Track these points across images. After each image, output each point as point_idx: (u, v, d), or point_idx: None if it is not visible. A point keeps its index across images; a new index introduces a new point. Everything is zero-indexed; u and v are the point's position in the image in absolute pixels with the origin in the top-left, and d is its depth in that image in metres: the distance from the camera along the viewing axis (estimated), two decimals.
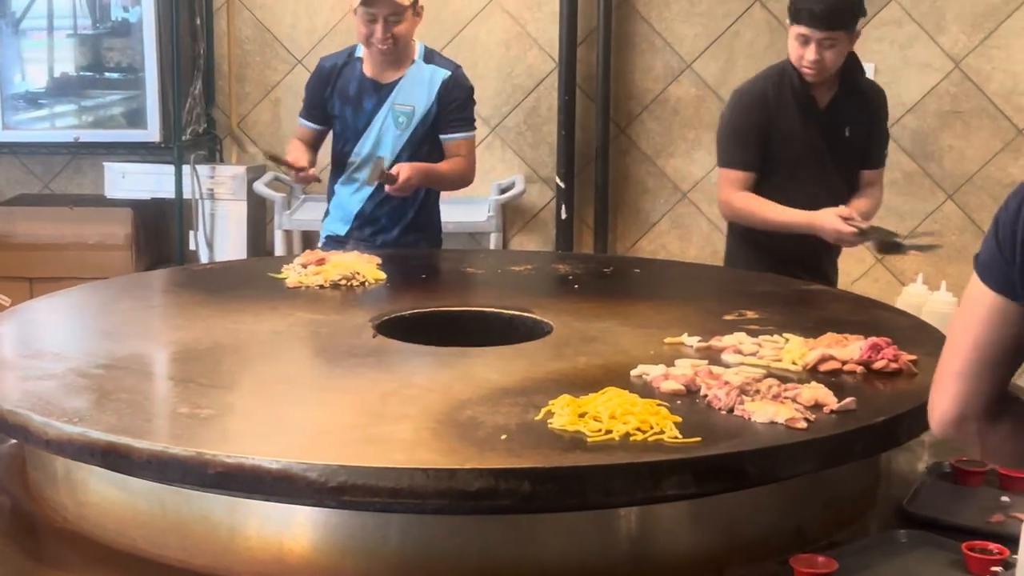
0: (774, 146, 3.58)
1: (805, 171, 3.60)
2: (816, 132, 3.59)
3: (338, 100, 3.91)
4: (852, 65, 3.60)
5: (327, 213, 4.05)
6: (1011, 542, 1.97)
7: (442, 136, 3.90)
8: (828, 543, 2.14)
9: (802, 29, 3.46)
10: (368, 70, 3.88)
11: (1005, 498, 2.37)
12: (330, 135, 4.00)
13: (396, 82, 3.86)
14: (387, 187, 3.69)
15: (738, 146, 3.60)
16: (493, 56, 5.49)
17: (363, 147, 3.89)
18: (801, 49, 3.49)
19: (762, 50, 5.39)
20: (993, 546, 2.08)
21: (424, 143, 3.89)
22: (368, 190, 3.88)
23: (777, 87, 3.58)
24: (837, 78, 3.58)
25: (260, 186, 5.05)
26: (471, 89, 3.95)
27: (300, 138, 3.98)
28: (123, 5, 5.32)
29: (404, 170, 3.69)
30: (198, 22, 5.33)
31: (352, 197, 3.93)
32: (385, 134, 3.87)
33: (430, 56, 3.92)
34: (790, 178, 3.59)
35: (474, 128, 3.98)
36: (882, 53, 5.35)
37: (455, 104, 3.89)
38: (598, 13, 5.33)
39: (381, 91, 3.87)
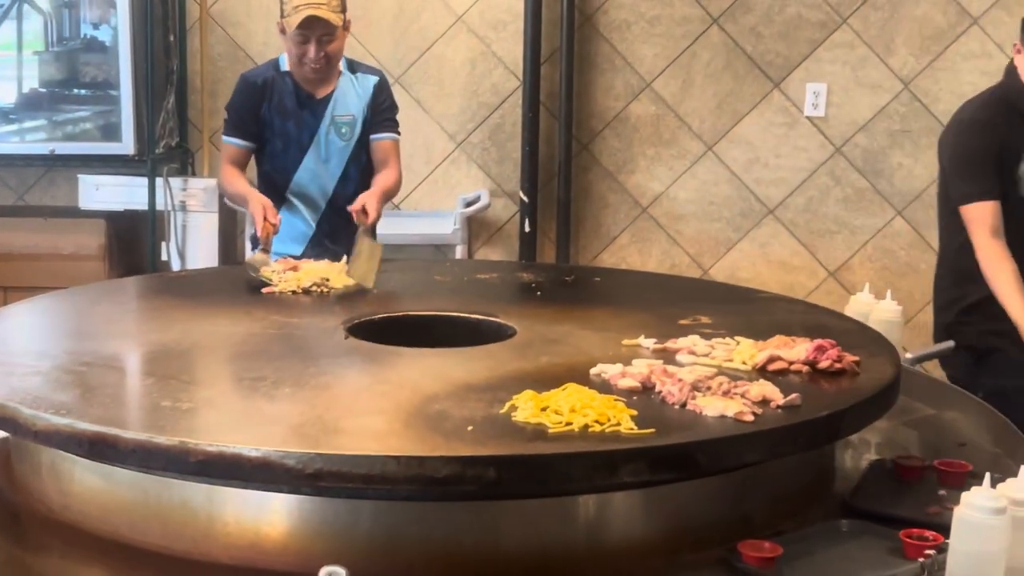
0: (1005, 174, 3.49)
1: None
2: None
3: (277, 115, 3.92)
4: None
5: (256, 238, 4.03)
6: (946, 530, 2.08)
7: (372, 136, 3.98)
8: (774, 532, 2.22)
9: None
10: (300, 84, 3.93)
11: (942, 492, 2.46)
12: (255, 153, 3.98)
13: (331, 95, 3.94)
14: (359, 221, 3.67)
15: (981, 175, 3.48)
16: (459, 74, 5.59)
17: (310, 161, 3.95)
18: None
19: (719, 70, 5.54)
20: (929, 533, 2.17)
21: (363, 149, 3.99)
22: (310, 223, 3.93)
23: (1004, 112, 3.55)
24: None
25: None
26: (391, 91, 4.07)
27: (234, 161, 3.93)
28: (92, 23, 5.39)
29: (370, 204, 3.68)
30: (172, 39, 5.40)
31: (299, 219, 3.97)
32: (330, 146, 3.96)
33: (352, 65, 4.02)
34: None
35: (399, 133, 4.07)
36: (834, 74, 5.50)
37: (385, 105, 4.00)
38: (561, 33, 5.45)
39: (318, 105, 3.93)
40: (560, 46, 5.47)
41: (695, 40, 5.54)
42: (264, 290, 3.26)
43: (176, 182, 5.24)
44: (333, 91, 3.96)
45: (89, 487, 2.29)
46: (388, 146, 4.01)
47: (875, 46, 5.47)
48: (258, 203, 3.71)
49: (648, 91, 5.57)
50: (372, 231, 3.71)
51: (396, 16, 5.56)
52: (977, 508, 2.01)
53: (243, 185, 3.89)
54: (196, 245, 5.19)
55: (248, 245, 4.27)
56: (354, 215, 3.66)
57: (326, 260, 3.52)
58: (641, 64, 5.56)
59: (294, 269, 3.38)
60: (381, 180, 3.93)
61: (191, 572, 2.13)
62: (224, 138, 4.02)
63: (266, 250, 3.58)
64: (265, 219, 3.66)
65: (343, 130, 3.95)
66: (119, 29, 5.14)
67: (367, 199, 3.71)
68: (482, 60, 5.59)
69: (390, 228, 4.70)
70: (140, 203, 5.19)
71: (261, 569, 2.10)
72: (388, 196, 3.92)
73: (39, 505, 2.38)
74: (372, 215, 3.66)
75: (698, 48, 5.55)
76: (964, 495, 2.03)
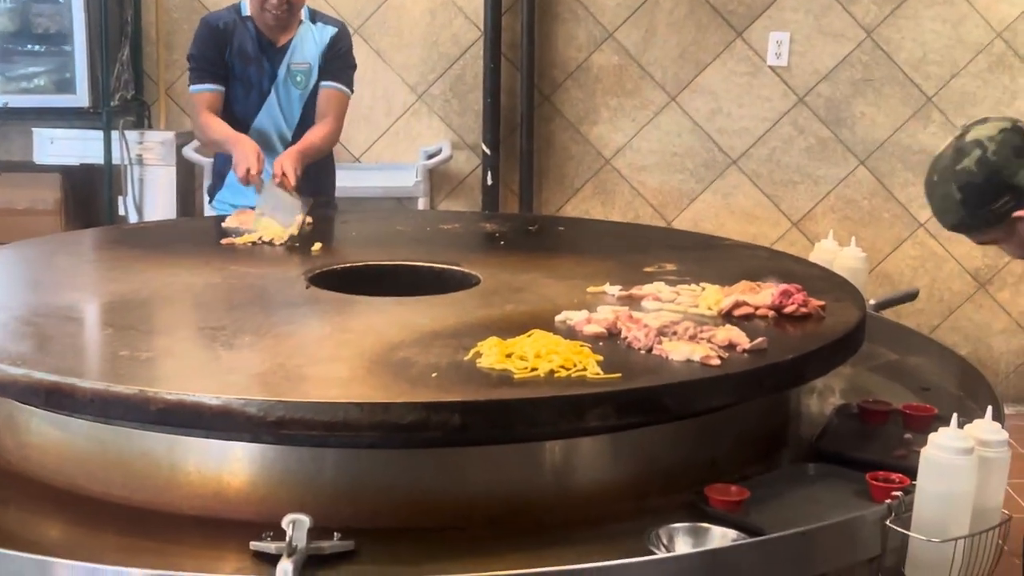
0: None
1: None
2: None
3: (239, 60, 3.88)
4: None
5: (218, 183, 4.04)
6: (912, 473, 2.09)
7: (322, 82, 3.92)
8: (741, 475, 2.23)
9: None
10: (261, 30, 3.89)
11: (908, 435, 2.48)
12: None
13: (289, 42, 3.91)
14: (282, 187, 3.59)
15: None
16: (419, 24, 5.52)
17: (269, 108, 3.91)
18: None
19: (681, 19, 5.50)
20: (895, 476, 2.19)
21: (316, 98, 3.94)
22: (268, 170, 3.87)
23: None
24: None
25: (189, 151, 5.05)
26: (352, 47, 4.01)
27: (210, 107, 3.86)
28: None
29: (287, 167, 3.61)
30: None
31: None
32: (288, 94, 3.92)
33: (314, 15, 3.97)
34: None
35: (351, 90, 3.99)
36: (797, 23, 5.48)
37: (339, 55, 3.95)
38: None
39: (277, 53, 3.90)
40: None
41: None
42: (223, 241, 3.22)
43: (132, 135, 5.16)
44: (292, 39, 3.92)
45: (47, 438, 2.25)
46: (331, 95, 3.93)
47: None
48: (250, 150, 3.66)
49: (610, 41, 5.53)
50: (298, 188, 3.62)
51: None
52: (945, 448, 2.02)
53: (228, 129, 3.82)
54: (153, 199, 5.11)
55: (206, 198, 4.22)
56: (276, 182, 3.60)
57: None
58: (603, 14, 5.51)
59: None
60: (307, 136, 3.86)
61: (153, 523, 2.10)
62: (193, 87, 3.93)
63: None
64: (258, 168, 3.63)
65: (299, 78, 3.92)
66: None
67: (284, 162, 3.64)
68: (442, 10, 5.52)
69: (350, 181, 4.70)
70: (96, 157, 5.11)
71: (224, 519, 2.08)
72: (312, 152, 3.82)
73: None
74: (291, 179, 3.59)
75: None
76: (932, 436, 2.05)
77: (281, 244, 3.23)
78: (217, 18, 3.95)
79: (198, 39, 3.95)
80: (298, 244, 3.24)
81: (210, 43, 3.88)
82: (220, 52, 3.88)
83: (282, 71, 3.91)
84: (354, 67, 4.04)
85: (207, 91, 3.89)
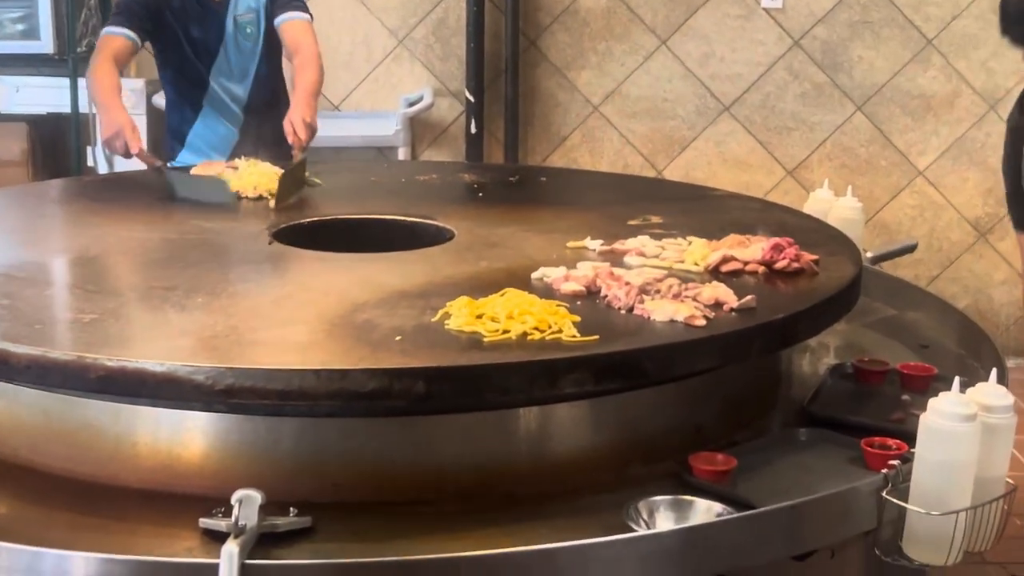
0: None
1: None
2: None
3: (180, 22, 3.69)
4: None
5: (176, 146, 3.87)
6: (910, 438, 1.98)
7: (278, 20, 3.68)
8: (728, 442, 2.13)
9: None
10: None
11: (906, 397, 2.38)
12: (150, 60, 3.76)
13: None
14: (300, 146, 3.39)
15: None
16: None
17: (220, 66, 3.75)
18: None
19: None
20: (892, 442, 2.08)
21: (273, 43, 3.75)
22: (231, 133, 3.71)
23: None
24: None
25: (160, 99, 4.91)
26: None
27: (116, 56, 3.56)
28: None
29: (297, 122, 3.37)
30: None
31: (218, 129, 3.78)
32: (239, 50, 3.76)
33: None
34: None
35: (310, 14, 3.75)
36: None
37: None
38: None
39: (219, 8, 3.72)
40: None
41: None
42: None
43: None
44: None
45: None
46: (297, 27, 3.68)
47: None
48: (114, 126, 3.39)
49: None
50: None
51: None
52: (945, 415, 1.90)
53: (108, 91, 3.51)
54: None
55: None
56: (290, 140, 3.40)
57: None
58: None
59: (233, 168, 3.21)
60: (301, 81, 3.60)
61: (98, 496, 1.98)
62: (107, 29, 3.66)
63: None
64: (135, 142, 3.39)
65: (248, 30, 3.74)
66: None
67: (293, 120, 3.39)
68: None
69: (328, 130, 4.52)
70: (64, 106, 4.98)
71: (174, 493, 1.96)
72: (317, 91, 3.63)
73: None
74: (302, 133, 3.36)
75: None
76: (931, 401, 1.93)
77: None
78: None
79: None
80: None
81: None
82: (155, 9, 3.64)
83: (229, 26, 3.74)
84: None
85: (118, 35, 3.61)
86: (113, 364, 1.86)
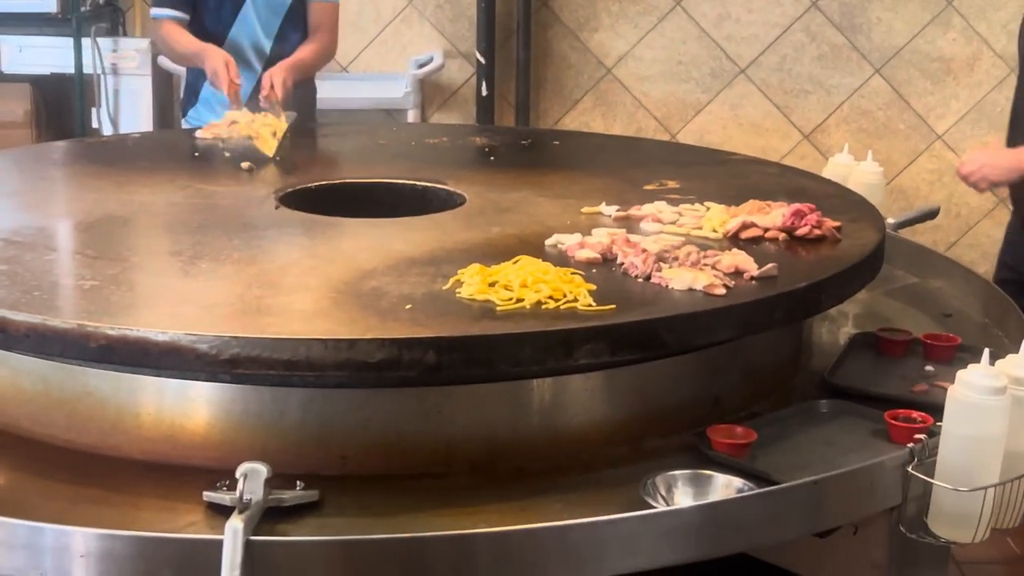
0: None
1: None
2: None
3: None
4: None
5: (191, 99, 3.88)
6: (935, 410, 1.94)
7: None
8: (747, 414, 2.09)
9: None
10: None
11: (929, 367, 2.34)
12: None
13: None
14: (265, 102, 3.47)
15: None
16: None
17: (245, 18, 3.74)
18: None
19: None
20: (916, 414, 2.03)
21: (298, 10, 3.80)
22: (248, 84, 3.70)
23: None
24: None
25: (166, 60, 4.87)
26: None
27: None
28: None
29: (276, 79, 3.50)
30: None
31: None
32: (264, 7, 3.75)
33: None
34: None
35: None
36: None
37: None
38: None
39: None
40: None
41: None
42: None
43: (106, 43, 4.99)
44: None
45: None
46: (323, 9, 3.83)
47: None
48: (219, 59, 3.50)
49: None
50: (286, 104, 3.49)
51: None
52: (974, 387, 1.86)
53: (192, 40, 3.67)
54: (129, 111, 4.96)
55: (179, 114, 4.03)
56: (262, 96, 3.48)
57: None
58: None
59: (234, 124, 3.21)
60: (301, 50, 3.75)
61: (100, 468, 1.94)
62: (154, 11, 3.77)
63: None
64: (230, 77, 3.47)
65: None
66: None
67: (273, 75, 3.53)
68: None
69: (336, 92, 4.60)
70: (68, 66, 4.93)
71: (178, 465, 1.92)
72: (304, 68, 3.74)
73: None
74: (278, 91, 3.47)
75: None
76: (960, 373, 1.88)
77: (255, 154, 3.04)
78: None
79: None
80: (278, 159, 3.03)
81: None
82: None
83: None
84: None
85: (169, 18, 3.73)
86: (115, 333, 1.82)
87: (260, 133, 3.10)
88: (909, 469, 1.85)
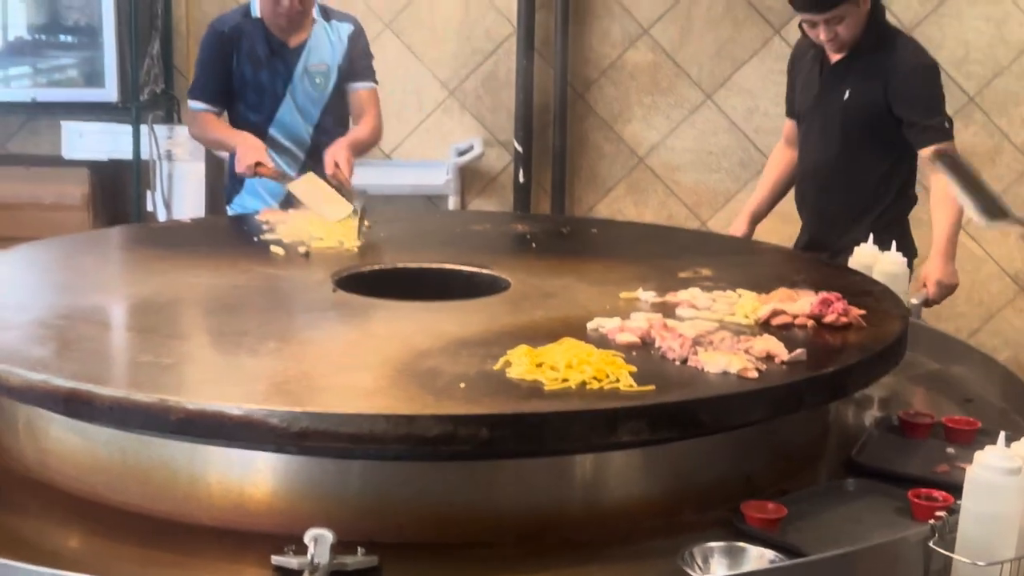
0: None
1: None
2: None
3: (248, 65, 3.82)
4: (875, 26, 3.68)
5: (236, 187, 3.98)
6: (956, 490, 2.03)
7: (351, 84, 3.91)
8: (777, 492, 2.18)
9: (803, 16, 3.61)
10: (272, 31, 3.83)
11: (951, 450, 2.43)
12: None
13: (304, 43, 3.85)
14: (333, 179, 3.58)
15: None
16: (451, 19, 5.48)
17: (284, 114, 3.86)
18: (813, 32, 3.62)
19: (718, 16, 5.43)
20: (938, 493, 2.14)
21: (340, 99, 3.92)
22: (291, 170, 3.79)
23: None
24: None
25: None
26: (367, 38, 4.00)
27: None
28: None
29: (340, 157, 3.61)
30: None
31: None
32: (304, 98, 3.86)
33: (326, 12, 3.91)
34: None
35: (377, 81, 3.99)
36: None
37: (362, 51, 3.92)
38: None
39: (291, 54, 3.84)
40: None
41: None
42: (273, 248, 3.10)
43: (161, 130, 5.15)
44: (307, 40, 3.85)
45: (66, 445, 2.22)
46: (366, 96, 3.94)
47: None
48: (248, 145, 3.64)
49: (645, 38, 5.46)
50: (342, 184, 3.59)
51: None
52: (991, 468, 1.95)
53: (226, 129, 3.82)
54: (182, 195, 5.10)
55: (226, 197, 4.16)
56: (329, 174, 3.57)
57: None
58: (638, 9, 5.44)
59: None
60: (356, 130, 3.87)
61: (172, 534, 2.06)
62: (192, 104, 3.91)
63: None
64: (259, 164, 3.60)
65: (317, 80, 3.86)
66: None
67: (336, 154, 3.63)
68: (475, 5, 5.47)
69: (380, 178, 4.69)
70: (124, 152, 5.09)
71: (245, 531, 2.04)
72: (360, 147, 3.85)
73: (15, 464, 2.32)
74: (344, 168, 3.58)
75: None
76: (977, 454, 1.98)
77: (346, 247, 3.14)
78: (224, 22, 3.88)
79: (204, 47, 3.91)
80: (361, 243, 3.15)
81: (216, 51, 3.83)
82: (225, 62, 3.82)
83: (298, 73, 3.85)
84: (372, 57, 4.01)
85: (204, 111, 3.87)
86: (193, 407, 1.95)
87: (335, 231, 3.19)
88: (931, 544, 1.93)
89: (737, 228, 3.95)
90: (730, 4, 5.40)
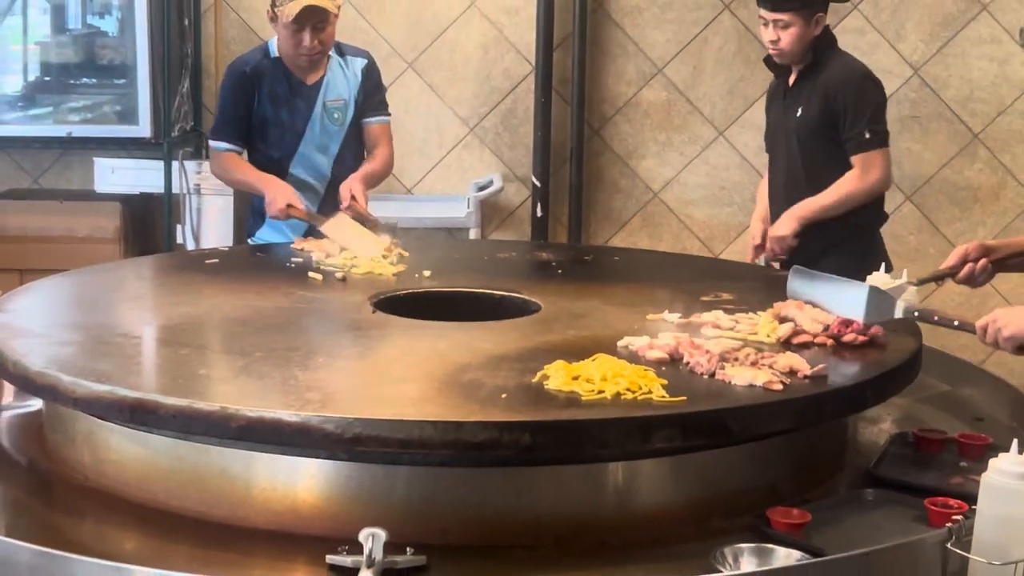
0: None
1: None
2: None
3: (269, 104, 3.92)
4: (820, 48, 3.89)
5: (258, 221, 4.07)
6: (970, 500, 2.12)
7: (365, 120, 4.02)
8: (800, 501, 2.27)
9: (760, 11, 3.87)
10: (291, 70, 3.94)
11: (963, 463, 2.52)
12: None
13: (321, 80, 3.95)
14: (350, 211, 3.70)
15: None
16: (472, 59, 5.61)
17: (305, 148, 3.96)
18: (764, 30, 3.88)
19: (730, 56, 5.57)
20: (953, 502, 2.22)
21: (355, 133, 4.02)
22: (311, 205, 3.90)
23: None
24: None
25: None
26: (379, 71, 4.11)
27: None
28: (98, 12, 5.45)
29: (356, 189, 3.73)
30: (186, 23, 5.42)
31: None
32: (323, 133, 3.97)
33: (340, 48, 4.01)
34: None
35: (390, 114, 4.11)
36: None
37: (376, 85, 4.04)
38: (573, 19, 5.46)
39: (310, 91, 3.94)
40: (572, 31, 5.49)
41: (707, 26, 5.57)
42: (311, 273, 3.21)
43: (191, 165, 5.25)
44: (323, 76, 3.96)
45: (126, 455, 2.32)
46: (379, 129, 4.05)
47: (885, 32, 5.50)
48: (279, 190, 3.75)
49: (659, 77, 5.60)
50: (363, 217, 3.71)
51: (410, 1, 5.59)
52: (1005, 473, 2.04)
53: (251, 171, 3.92)
54: (210, 227, 5.20)
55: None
56: (344, 206, 3.69)
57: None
58: (653, 50, 5.58)
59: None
60: (369, 163, 3.97)
61: (228, 538, 2.16)
62: (213, 143, 4.02)
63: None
64: (290, 206, 3.71)
65: (335, 115, 3.97)
66: (136, 12, 5.16)
67: (352, 187, 3.74)
68: (495, 45, 5.61)
69: (403, 212, 4.78)
70: (155, 186, 5.21)
71: (298, 534, 2.14)
72: (373, 179, 3.94)
73: (74, 473, 2.41)
74: (360, 200, 3.70)
75: (709, 34, 5.57)
76: (992, 461, 2.07)
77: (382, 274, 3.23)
78: (244, 63, 3.98)
79: (225, 88, 4.01)
80: (397, 270, 3.26)
81: (237, 92, 3.94)
82: (247, 102, 3.92)
83: (317, 109, 3.95)
84: (386, 89, 4.14)
85: (225, 151, 3.97)
86: (253, 415, 2.06)
87: (374, 263, 3.29)
88: (948, 545, 2.03)
89: (754, 234, 4.16)
90: (741, 44, 5.54)
